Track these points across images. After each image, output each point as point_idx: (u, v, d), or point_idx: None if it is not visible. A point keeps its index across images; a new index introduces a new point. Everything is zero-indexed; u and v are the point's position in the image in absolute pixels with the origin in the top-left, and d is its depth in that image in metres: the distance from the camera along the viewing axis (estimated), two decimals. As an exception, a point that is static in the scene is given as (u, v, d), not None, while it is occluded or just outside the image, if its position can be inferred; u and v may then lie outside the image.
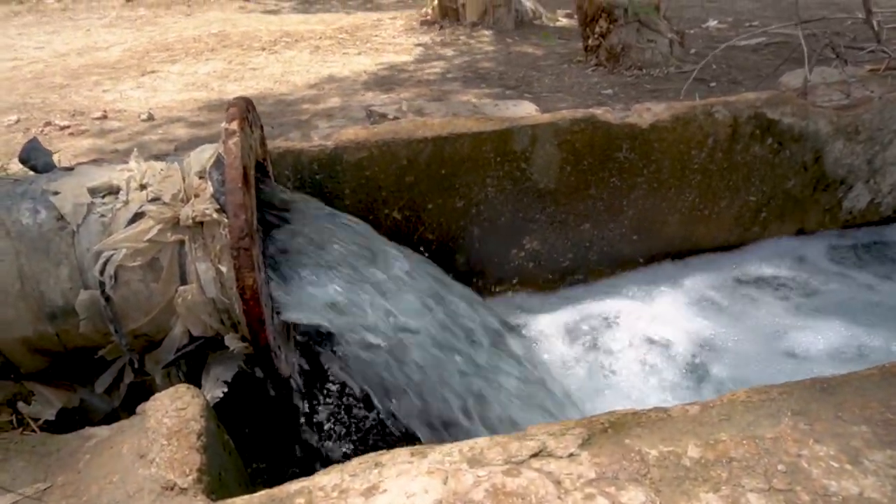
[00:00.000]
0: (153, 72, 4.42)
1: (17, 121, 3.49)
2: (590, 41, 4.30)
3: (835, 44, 2.15)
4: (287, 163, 1.72)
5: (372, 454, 0.82)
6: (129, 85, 4.10)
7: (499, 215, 1.98)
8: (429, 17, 5.48)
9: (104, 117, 3.46)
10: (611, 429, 0.83)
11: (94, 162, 1.54)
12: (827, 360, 1.69)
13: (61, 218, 1.07)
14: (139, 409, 0.93)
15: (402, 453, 0.81)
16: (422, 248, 1.95)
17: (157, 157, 1.52)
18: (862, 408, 0.83)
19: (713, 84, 3.90)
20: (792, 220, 2.30)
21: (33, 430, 1.06)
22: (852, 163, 2.23)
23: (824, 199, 2.29)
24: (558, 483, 0.74)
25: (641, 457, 0.78)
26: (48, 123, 3.38)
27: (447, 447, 0.81)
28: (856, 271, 2.13)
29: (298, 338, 1.38)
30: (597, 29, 4.29)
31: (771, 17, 5.48)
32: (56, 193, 1.08)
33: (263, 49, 4.87)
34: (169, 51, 4.98)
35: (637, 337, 1.83)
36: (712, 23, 5.47)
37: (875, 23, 2.09)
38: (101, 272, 1.05)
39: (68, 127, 3.36)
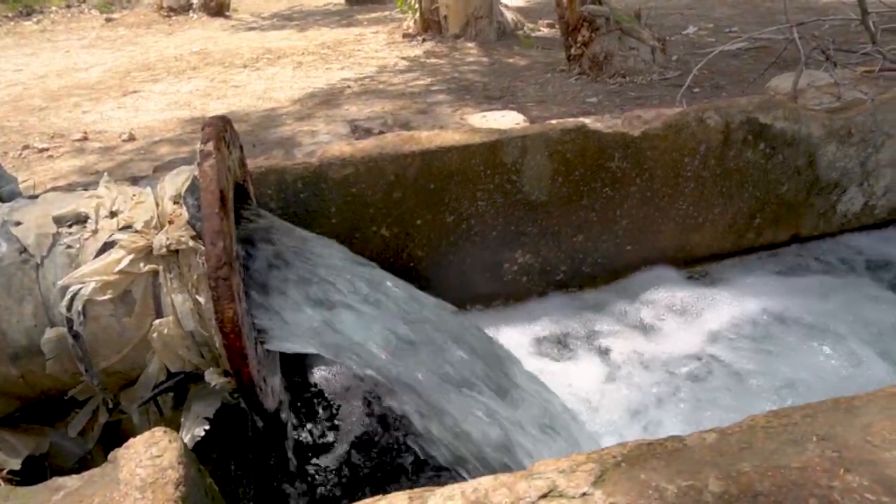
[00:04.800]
0: (135, 91, 4.36)
1: (-8, 145, 3.40)
2: (572, 50, 4.29)
3: (824, 46, 2.13)
4: (270, 182, 1.66)
5: (367, 500, 0.76)
6: (109, 105, 4.03)
7: (490, 229, 1.92)
8: (411, 31, 5.46)
9: (84, 139, 3.39)
10: (624, 462, 0.77)
11: (69, 187, 1.47)
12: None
13: (24, 250, 0.99)
14: (111, 456, 0.86)
15: (399, 498, 0.74)
16: (412, 265, 1.89)
17: (136, 180, 1.45)
18: (891, 431, 0.77)
19: (697, 90, 3.89)
20: (787, 225, 2.26)
21: (-3, 482, 0.98)
22: (845, 166, 2.20)
23: (819, 203, 2.25)
24: (571, 528, 0.67)
25: (660, 493, 0.72)
26: (26, 146, 3.30)
27: (448, 490, 0.75)
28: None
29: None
30: (579, 38, 4.28)
31: (750, 22, 5.51)
32: (18, 224, 1.01)
33: (245, 66, 4.82)
34: (150, 70, 4.92)
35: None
36: (692, 29, 5.50)
37: (871, 23, 2.07)
38: (69, 308, 0.98)
39: (47, 149, 3.28)
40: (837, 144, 2.15)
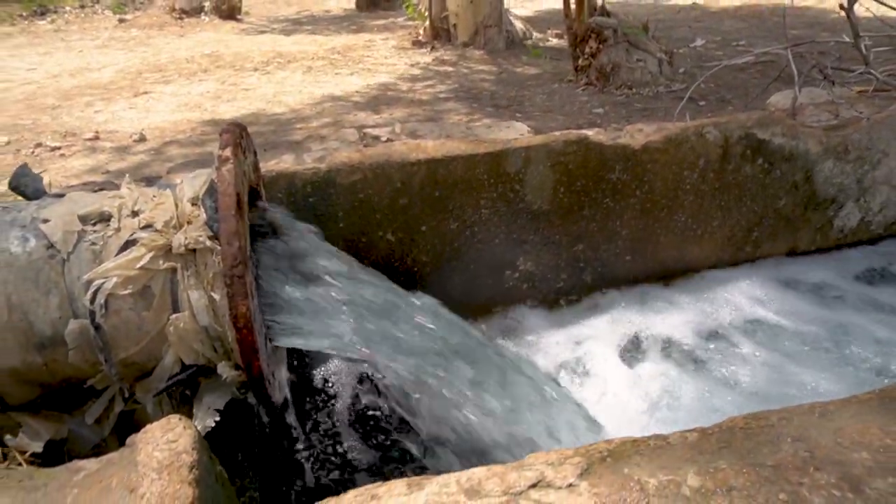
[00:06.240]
0: (146, 92, 4.42)
1: (8, 142, 3.47)
2: (580, 61, 4.34)
3: (822, 65, 2.18)
4: (280, 186, 1.72)
5: (368, 486, 0.81)
6: (121, 106, 4.09)
7: (493, 237, 1.98)
8: (420, 38, 5.52)
9: (96, 138, 3.45)
10: (610, 457, 0.82)
11: (86, 186, 1.53)
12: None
13: (51, 246, 1.05)
14: (129, 441, 0.91)
15: (398, 485, 0.80)
16: (416, 270, 1.95)
17: (150, 181, 1.52)
18: (861, 433, 0.82)
19: (702, 103, 3.93)
20: (784, 239, 2.31)
21: (19, 464, 1.04)
22: (842, 182, 2.24)
23: (815, 218, 2.30)
24: (557, 515, 0.73)
25: (641, 486, 0.77)
26: (39, 145, 3.36)
27: (444, 478, 0.80)
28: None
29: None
30: (587, 49, 4.33)
31: (757, 36, 5.55)
32: (46, 221, 1.07)
33: (256, 70, 4.88)
34: (162, 71, 4.99)
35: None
36: (700, 42, 5.53)
37: (863, 46, 2.12)
38: (92, 301, 1.04)
39: (59, 148, 3.34)
40: (834, 161, 2.20)
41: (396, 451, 1.48)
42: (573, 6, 4.22)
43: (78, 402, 1.18)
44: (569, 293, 2.16)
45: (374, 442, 1.50)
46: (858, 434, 0.82)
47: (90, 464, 0.93)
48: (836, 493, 0.73)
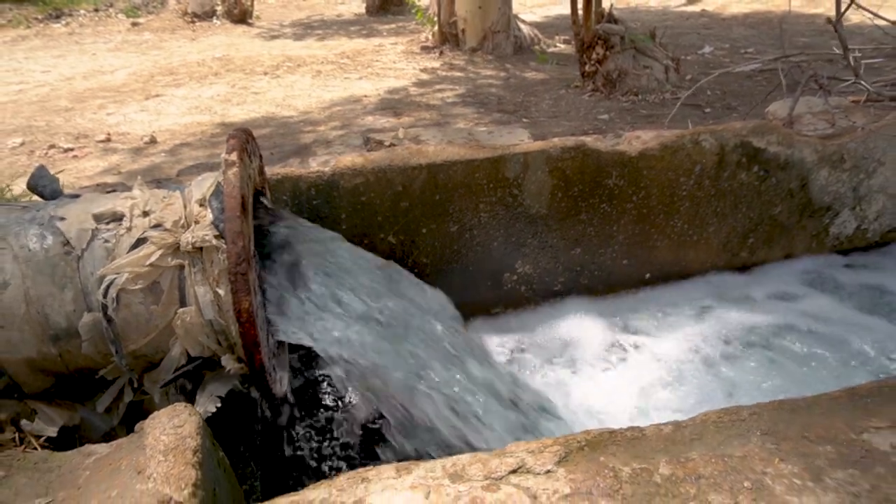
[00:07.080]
0: (157, 95, 4.50)
1: (22, 143, 3.55)
2: (587, 67, 4.39)
3: (818, 76, 2.22)
4: (285, 189, 1.78)
5: (359, 470, 0.86)
6: (133, 108, 4.17)
7: (491, 240, 2.03)
8: (429, 43, 5.59)
9: (108, 140, 3.52)
10: (587, 447, 0.87)
11: (99, 188, 1.60)
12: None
13: (67, 243, 1.12)
14: (138, 427, 0.97)
15: (387, 469, 0.85)
16: (416, 271, 2.00)
17: (160, 183, 1.58)
18: (827, 428, 0.87)
19: (708, 110, 3.97)
20: (779, 245, 2.35)
21: (35, 448, 1.10)
22: (838, 190, 2.28)
23: (811, 226, 2.34)
24: (535, 498, 0.78)
25: (615, 473, 0.81)
26: (52, 146, 3.44)
27: (430, 463, 0.85)
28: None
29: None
30: (593, 55, 4.37)
31: (766, 43, 5.57)
32: (62, 220, 1.14)
33: (266, 73, 4.96)
34: (173, 75, 5.07)
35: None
36: (708, 49, 5.56)
37: (852, 58, 2.16)
38: (104, 295, 1.10)
39: (72, 149, 3.41)
40: (830, 169, 2.24)
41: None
42: (581, 12, 4.27)
43: (90, 392, 1.24)
44: (565, 296, 2.20)
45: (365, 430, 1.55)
46: (824, 429, 0.86)
47: (101, 448, 0.99)
48: (798, 481, 0.77)
